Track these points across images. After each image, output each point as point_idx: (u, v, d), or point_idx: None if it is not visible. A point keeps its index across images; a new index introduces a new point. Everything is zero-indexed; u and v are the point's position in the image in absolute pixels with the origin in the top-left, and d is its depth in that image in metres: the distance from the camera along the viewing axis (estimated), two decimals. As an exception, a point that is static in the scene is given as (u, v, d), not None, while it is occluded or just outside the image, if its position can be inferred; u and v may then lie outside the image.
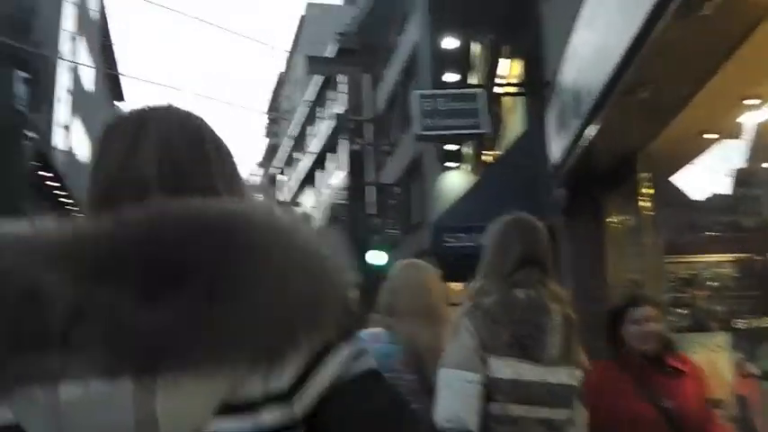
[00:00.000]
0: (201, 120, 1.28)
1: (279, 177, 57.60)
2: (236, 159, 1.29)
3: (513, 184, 9.96)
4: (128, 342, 0.97)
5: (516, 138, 11.70)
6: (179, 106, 1.28)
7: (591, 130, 6.52)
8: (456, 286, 20.94)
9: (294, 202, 46.37)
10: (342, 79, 32.61)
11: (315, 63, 31.47)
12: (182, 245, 1.01)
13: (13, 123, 24.59)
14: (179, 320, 0.97)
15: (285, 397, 1.05)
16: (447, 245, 9.84)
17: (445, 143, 16.56)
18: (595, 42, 6.25)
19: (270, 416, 1.04)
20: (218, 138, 1.27)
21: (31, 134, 25.49)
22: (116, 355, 0.97)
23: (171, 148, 1.19)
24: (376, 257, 20.13)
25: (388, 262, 19.22)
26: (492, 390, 2.79)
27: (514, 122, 13.15)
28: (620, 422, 3.55)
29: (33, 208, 26.07)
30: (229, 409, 1.02)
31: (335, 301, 1.07)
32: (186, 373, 0.98)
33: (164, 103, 1.29)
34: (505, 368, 2.78)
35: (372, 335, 3.32)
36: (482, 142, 16.17)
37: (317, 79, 38.29)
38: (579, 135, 6.86)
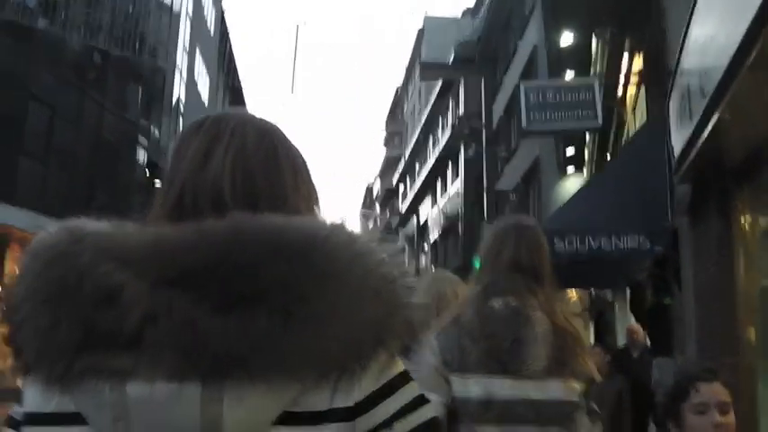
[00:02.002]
0: (277, 129, 1.29)
1: (398, 188, 58.16)
2: (310, 170, 1.31)
3: (630, 184, 9.21)
4: (199, 349, 1.00)
5: (635, 134, 10.80)
6: (255, 114, 1.30)
7: (718, 112, 5.71)
8: (571, 294, 20.15)
9: (414, 211, 46.87)
10: (460, 90, 32.41)
11: (428, 69, 31.44)
12: (262, 262, 1.03)
13: (126, 133, 25.19)
14: (252, 334, 1.00)
15: (350, 414, 1.08)
16: (557, 250, 9.05)
17: (555, 136, 15.75)
18: (720, 14, 5.50)
19: (332, 428, 1.06)
20: (295, 148, 1.29)
21: (144, 143, 26.03)
22: (187, 360, 1.01)
23: (246, 158, 1.21)
24: None
25: None
26: (459, 410, 2.66)
27: (636, 121, 12.29)
28: None
29: (144, 209, 26.63)
30: (292, 418, 1.05)
31: (402, 323, 1.10)
32: (254, 382, 1.01)
33: (243, 110, 1.32)
34: (473, 386, 2.65)
35: None
36: (603, 144, 15.42)
37: (436, 90, 38.32)
38: (705, 118, 6.05)
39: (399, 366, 1.15)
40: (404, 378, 1.15)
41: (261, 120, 1.30)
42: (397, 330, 1.10)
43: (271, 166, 1.23)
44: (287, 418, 1.05)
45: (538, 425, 2.64)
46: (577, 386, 2.70)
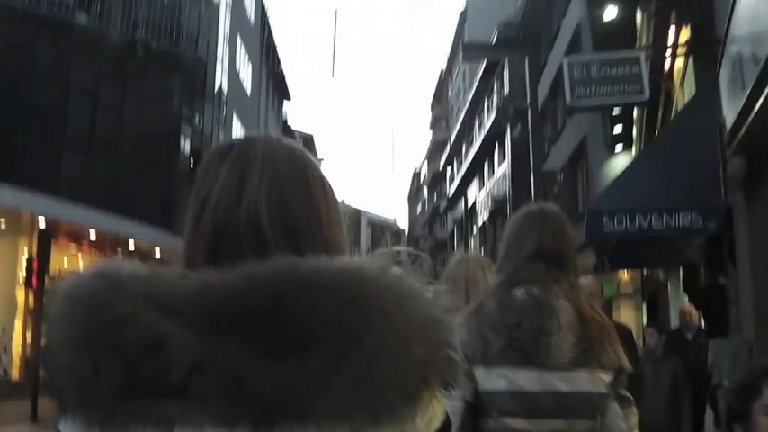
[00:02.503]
0: (303, 150, 1.29)
1: (446, 171, 58.22)
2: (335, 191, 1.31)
3: (681, 159, 8.87)
4: (248, 396, 1.00)
5: (684, 107, 10.40)
6: (283, 138, 1.30)
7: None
8: (622, 275, 19.73)
9: (461, 194, 46.92)
10: (504, 71, 32.15)
11: (471, 50, 31.17)
12: (312, 308, 1.03)
13: (169, 124, 25.34)
14: (300, 379, 1.00)
15: None
16: (607, 231, 8.76)
17: (602, 113, 15.33)
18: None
19: None
20: (321, 172, 1.29)
21: (187, 132, 26.15)
22: (235, 407, 1.00)
23: (280, 188, 1.20)
24: None
25: None
26: (485, 404, 2.60)
27: (684, 95, 11.89)
28: None
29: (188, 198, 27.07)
30: None
31: (445, 361, 1.11)
32: (305, 426, 1.00)
33: (268, 134, 1.31)
34: (497, 379, 2.58)
35: None
36: (651, 120, 15.03)
37: (480, 71, 38.20)
38: (759, 86, 5.73)
39: (444, 410, 1.16)
40: (448, 422, 1.17)
41: (288, 142, 1.29)
42: (440, 369, 1.11)
43: (304, 194, 1.22)
44: None
45: (565, 418, 2.57)
46: (605, 377, 2.62)
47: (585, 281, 5.89)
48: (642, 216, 8.37)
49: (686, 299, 10.99)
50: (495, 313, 2.66)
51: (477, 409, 2.62)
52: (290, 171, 1.23)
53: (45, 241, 16.77)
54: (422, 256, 1.35)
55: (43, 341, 1.11)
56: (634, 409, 2.76)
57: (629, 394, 2.74)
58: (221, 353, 1.01)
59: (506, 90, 33.32)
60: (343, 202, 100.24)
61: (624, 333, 6.11)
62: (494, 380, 2.59)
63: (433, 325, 1.10)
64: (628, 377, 5.64)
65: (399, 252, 1.24)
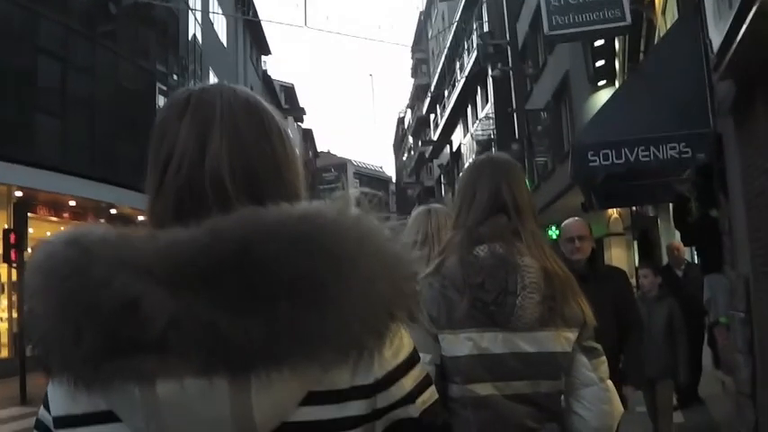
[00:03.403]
0: (260, 100, 1.30)
1: (430, 117, 58.09)
2: (295, 142, 1.42)
3: (665, 87, 8.47)
4: (223, 347, 1.04)
5: (666, 33, 9.95)
6: (237, 88, 1.29)
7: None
8: (611, 213, 19.45)
9: (446, 139, 46.83)
10: (483, 9, 31.64)
11: None
12: (277, 256, 1.06)
13: (144, 80, 24.70)
14: (272, 327, 1.04)
15: (370, 390, 1.17)
16: (592, 165, 8.36)
17: (579, 41, 14.90)
18: None
19: (355, 405, 1.15)
20: (279, 118, 1.30)
21: (163, 89, 25.52)
22: (212, 357, 1.04)
23: (241, 142, 1.21)
24: None
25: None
26: (450, 370, 2.53)
27: (666, 23, 11.46)
28: None
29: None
30: (316, 397, 1.12)
31: (410, 295, 1.16)
32: (279, 370, 1.05)
33: (222, 84, 1.30)
34: (463, 343, 2.51)
35: None
36: (634, 53, 14.62)
37: (458, 12, 37.80)
38: (747, 2, 5.27)
39: (410, 342, 1.24)
40: (416, 354, 1.24)
41: (243, 92, 1.29)
42: (405, 303, 1.15)
43: (265, 145, 1.24)
44: (311, 399, 1.12)
45: (530, 379, 2.50)
46: (571, 335, 2.55)
47: (573, 222, 5.73)
48: (628, 149, 8.00)
49: (678, 235, 10.70)
50: (457, 273, 2.57)
51: (441, 374, 2.54)
52: (249, 124, 1.24)
53: (21, 213, 16.27)
54: (379, 195, 1.22)
55: (24, 311, 1.13)
56: (603, 359, 2.64)
57: (597, 345, 2.64)
58: (194, 307, 1.04)
59: (485, 29, 32.83)
60: (328, 152, 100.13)
61: (621, 278, 5.87)
62: (460, 344, 2.52)
63: (395, 261, 1.15)
64: (624, 327, 5.35)
65: (359, 195, 1.22)
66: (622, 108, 9.26)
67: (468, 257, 2.58)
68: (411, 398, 1.21)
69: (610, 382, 2.64)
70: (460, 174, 2.98)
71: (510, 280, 2.52)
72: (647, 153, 7.93)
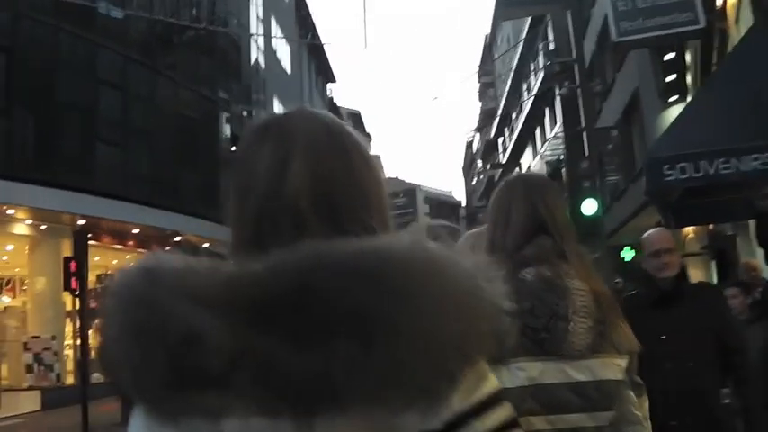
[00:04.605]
0: (343, 124, 1.27)
1: (498, 140, 58.18)
2: (379, 165, 1.30)
3: (743, 95, 7.96)
4: (285, 386, 1.02)
5: (741, 41, 9.42)
6: (319, 113, 1.28)
7: None
8: (687, 233, 18.73)
9: (515, 162, 46.77)
10: (549, 30, 31.31)
11: (505, 7, 30.29)
12: (337, 295, 1.03)
13: (206, 108, 24.76)
14: (335, 366, 1.01)
15: None
16: (668, 180, 7.87)
17: (650, 47, 14.35)
18: None
19: None
20: (363, 147, 1.26)
21: (226, 115, 25.58)
22: (275, 397, 1.02)
23: (323, 168, 1.18)
24: (587, 207, 18.55)
25: (598, 211, 18.03)
26: None
27: (740, 32, 10.92)
28: None
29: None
30: None
31: (487, 335, 1.09)
32: (344, 413, 1.02)
33: (303, 109, 1.29)
34: (515, 374, 2.39)
35: None
36: (706, 66, 14.04)
37: (524, 33, 37.65)
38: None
39: (492, 384, 1.15)
40: (496, 398, 1.14)
41: (326, 117, 1.26)
42: (482, 344, 1.09)
43: (347, 172, 1.20)
44: None
45: (587, 411, 2.39)
46: (621, 362, 2.46)
47: (657, 233, 4.72)
48: (707, 161, 7.47)
49: (761, 253, 10.10)
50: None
51: None
52: (331, 149, 1.20)
53: (81, 241, 16.28)
54: (458, 229, 1.00)
55: (98, 338, 1.13)
56: (646, 396, 2.61)
57: (640, 380, 2.59)
58: (254, 343, 1.02)
59: (551, 48, 32.49)
60: (397, 178, 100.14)
61: (715, 296, 4.88)
62: (511, 376, 2.38)
63: (473, 299, 1.08)
64: (729, 351, 4.44)
65: (434, 226, 1.16)
66: (698, 119, 8.78)
67: (514, 281, 2.36)
68: None
69: (649, 423, 2.58)
70: (492, 195, 2.82)
71: (561, 304, 2.42)
72: (727, 165, 7.41)
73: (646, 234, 4.72)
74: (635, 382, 2.57)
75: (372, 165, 1.26)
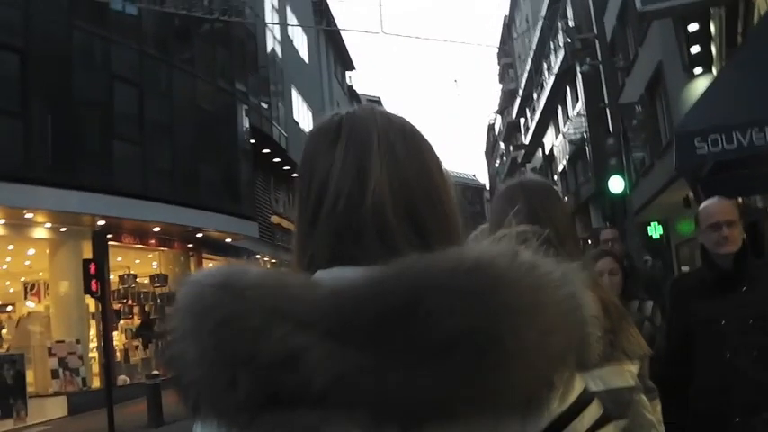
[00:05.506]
0: (416, 129, 1.24)
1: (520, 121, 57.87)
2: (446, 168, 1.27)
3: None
4: (392, 401, 1.00)
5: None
6: (389, 114, 1.24)
7: None
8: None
9: (538, 142, 46.50)
10: (567, 6, 31.05)
11: None
12: (447, 312, 1.00)
13: (223, 100, 24.57)
14: (443, 382, 0.99)
15: None
16: (700, 153, 7.58)
17: (674, 15, 13.99)
18: None
19: None
20: (432, 148, 1.24)
21: (244, 107, 25.39)
22: (380, 411, 1.00)
23: (401, 172, 1.16)
24: (614, 185, 18.18)
25: (625, 189, 17.61)
26: None
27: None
28: None
29: (250, 178, 27.15)
30: None
31: (582, 340, 1.09)
32: (452, 425, 1.01)
33: (372, 108, 1.25)
34: None
35: None
36: (731, 36, 13.67)
37: (542, 12, 37.30)
38: None
39: (580, 383, 1.15)
40: (587, 397, 1.16)
41: (399, 118, 1.23)
42: (577, 349, 1.08)
43: (425, 177, 1.19)
44: None
45: None
46: (633, 368, 2.46)
47: (716, 203, 4.14)
48: (740, 132, 7.17)
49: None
50: None
51: None
52: (408, 153, 1.18)
53: (101, 243, 16.15)
54: (545, 232, 1.25)
55: (167, 354, 1.08)
56: (658, 400, 2.61)
57: (652, 384, 2.60)
58: (358, 361, 1.00)
59: (571, 24, 32.14)
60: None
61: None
62: None
63: (570, 309, 1.08)
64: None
65: (525, 232, 1.16)
66: (728, 90, 8.47)
67: None
68: None
69: (663, 427, 2.55)
70: (491, 200, 2.75)
71: None
72: (761, 135, 7.12)
73: (703, 204, 4.21)
74: (648, 386, 2.56)
75: (443, 169, 1.24)
